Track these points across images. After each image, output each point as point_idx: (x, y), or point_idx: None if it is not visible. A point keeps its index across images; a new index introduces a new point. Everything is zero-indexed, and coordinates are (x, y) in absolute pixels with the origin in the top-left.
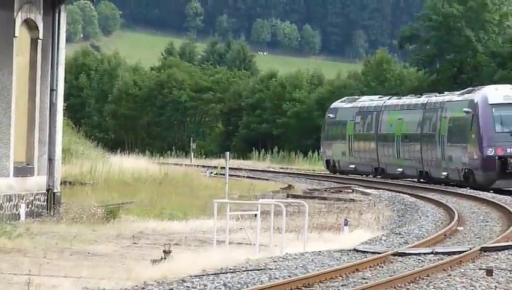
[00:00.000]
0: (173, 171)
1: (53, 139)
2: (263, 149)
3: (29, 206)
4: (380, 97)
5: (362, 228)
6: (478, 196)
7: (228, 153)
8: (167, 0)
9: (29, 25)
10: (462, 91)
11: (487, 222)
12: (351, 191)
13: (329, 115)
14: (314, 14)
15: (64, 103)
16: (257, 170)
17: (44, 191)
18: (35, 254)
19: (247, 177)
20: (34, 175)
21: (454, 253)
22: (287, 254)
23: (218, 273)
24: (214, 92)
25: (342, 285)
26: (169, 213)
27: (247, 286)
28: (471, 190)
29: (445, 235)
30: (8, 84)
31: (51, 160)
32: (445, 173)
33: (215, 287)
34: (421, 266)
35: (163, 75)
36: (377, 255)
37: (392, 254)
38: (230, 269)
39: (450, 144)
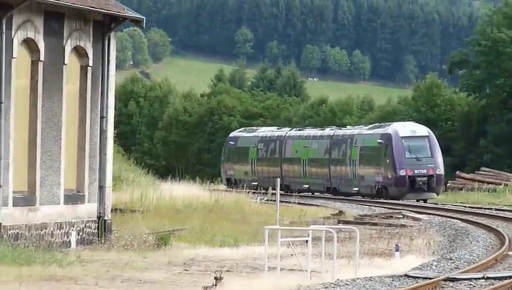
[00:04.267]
0: (224, 198)
1: (103, 166)
2: None
3: (80, 233)
4: (278, 128)
5: (413, 253)
6: None
7: (279, 179)
8: (217, 26)
9: (79, 52)
10: (371, 126)
11: None
12: (401, 216)
13: (230, 142)
14: (363, 39)
15: (114, 130)
16: (308, 196)
17: (95, 219)
18: (86, 282)
19: (298, 203)
20: (84, 202)
21: (505, 278)
22: (338, 280)
23: None
24: (265, 118)
25: None
26: (221, 240)
27: None
28: None
29: (496, 260)
30: (58, 112)
31: (101, 187)
32: (356, 189)
33: None
34: None
35: (214, 102)
36: (428, 281)
37: (443, 279)
38: None
39: (363, 166)
